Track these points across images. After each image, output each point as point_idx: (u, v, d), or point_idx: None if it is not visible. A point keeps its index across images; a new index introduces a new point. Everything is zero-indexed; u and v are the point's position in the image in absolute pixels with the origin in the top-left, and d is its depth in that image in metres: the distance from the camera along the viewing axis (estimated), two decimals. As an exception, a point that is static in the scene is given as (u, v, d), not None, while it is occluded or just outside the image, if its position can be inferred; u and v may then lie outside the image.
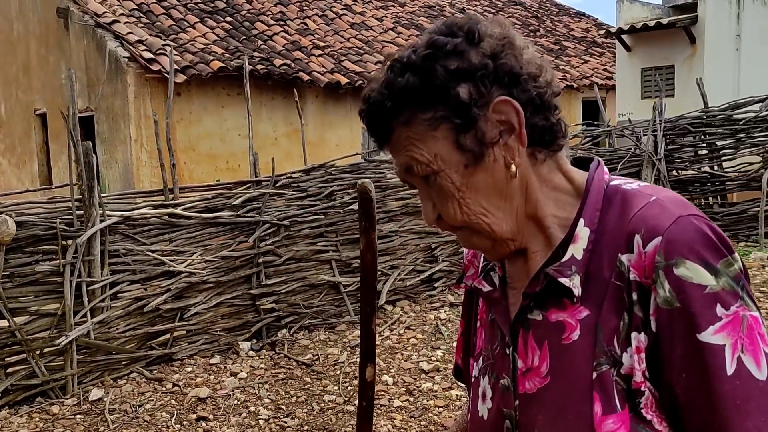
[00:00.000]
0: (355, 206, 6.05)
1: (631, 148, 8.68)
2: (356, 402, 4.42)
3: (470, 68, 0.85)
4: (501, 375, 0.97)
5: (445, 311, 5.99)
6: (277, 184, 5.80)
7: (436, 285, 6.62)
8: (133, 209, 5.17)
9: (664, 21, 10.70)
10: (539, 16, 16.53)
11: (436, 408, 4.16)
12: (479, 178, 0.89)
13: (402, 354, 5.08)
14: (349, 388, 4.56)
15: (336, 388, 4.55)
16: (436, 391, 4.38)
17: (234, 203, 5.54)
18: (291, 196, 5.89)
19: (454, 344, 4.84)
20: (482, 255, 1.05)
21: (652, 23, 10.77)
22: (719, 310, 0.78)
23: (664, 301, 0.79)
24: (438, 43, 0.87)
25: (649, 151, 8.68)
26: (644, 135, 8.83)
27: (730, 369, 0.77)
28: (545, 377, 0.90)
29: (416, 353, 5.08)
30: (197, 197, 5.53)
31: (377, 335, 5.37)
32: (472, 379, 1.07)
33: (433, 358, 4.94)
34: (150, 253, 5.11)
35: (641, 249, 0.82)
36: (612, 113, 11.41)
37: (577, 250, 0.88)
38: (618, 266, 0.84)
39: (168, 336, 5.26)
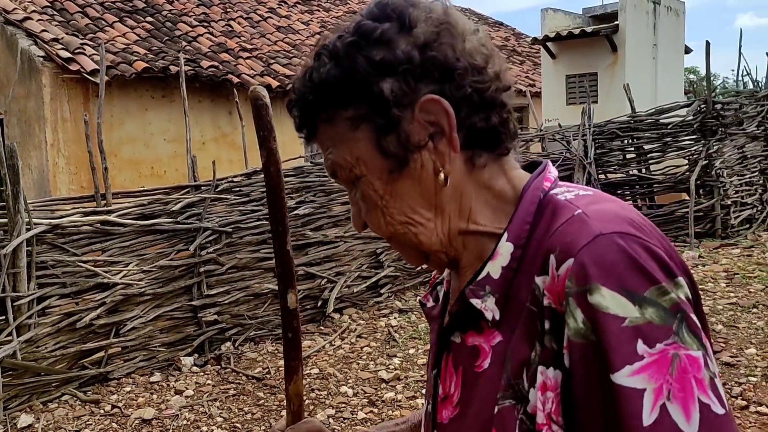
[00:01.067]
0: (301, 210, 5.83)
1: (562, 152, 8.84)
2: (317, 415, 4.22)
3: (395, 60, 0.74)
4: (429, 401, 0.90)
5: (395, 318, 5.83)
6: (218, 189, 5.49)
7: (382, 291, 6.46)
8: (63, 217, 4.75)
9: (588, 29, 11.02)
10: (461, 24, 16.75)
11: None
12: (404, 186, 0.78)
13: (357, 363, 4.88)
14: (306, 401, 4.32)
15: (293, 402, 4.30)
16: (400, 401, 4.21)
17: (173, 209, 5.20)
18: (232, 201, 5.60)
19: (411, 352, 4.68)
20: None
21: (576, 31, 11.06)
22: (641, 347, 0.63)
23: (576, 333, 0.66)
24: (364, 30, 0.76)
25: (580, 155, 8.87)
26: (574, 139, 9.03)
27: (649, 419, 0.62)
28: (456, 407, 0.82)
29: (372, 362, 4.89)
30: (132, 203, 5.14)
31: (329, 344, 5.16)
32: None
33: (391, 367, 4.77)
34: (82, 264, 4.70)
35: (554, 271, 0.69)
36: (538, 119, 11.62)
37: (494, 267, 0.77)
38: (534, 289, 0.72)
39: (102, 354, 4.85)
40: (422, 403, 0.94)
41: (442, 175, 0.77)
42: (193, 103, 9.27)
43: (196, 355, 5.25)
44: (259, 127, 1.03)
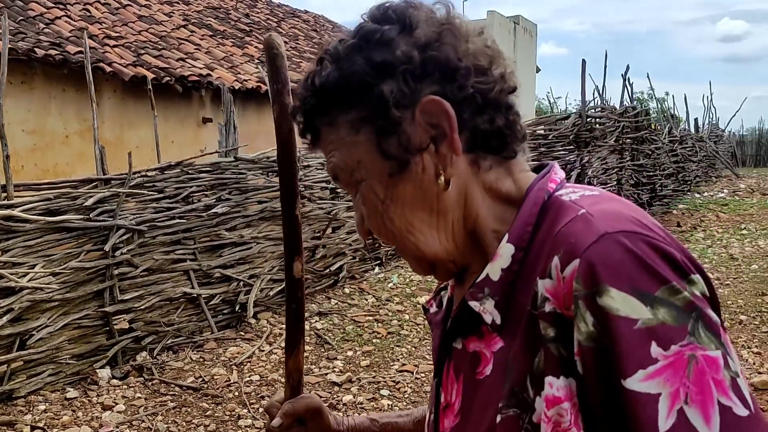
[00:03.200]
0: (219, 209, 5.50)
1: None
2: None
3: (394, 61, 0.74)
4: (431, 409, 0.88)
5: (319, 322, 5.66)
6: (132, 184, 5.00)
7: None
8: (-43, 210, 4.07)
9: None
10: (318, 30, 16.73)
11: (375, 420, 3.88)
12: (405, 190, 0.77)
13: (299, 367, 4.67)
14: (260, 409, 4.05)
15: (246, 411, 4.02)
16: (361, 403, 4.09)
17: (85, 204, 4.65)
18: (146, 197, 5.12)
19: (349, 353, 4.64)
20: None
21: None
22: (654, 349, 0.61)
23: (588, 338, 0.63)
24: (366, 32, 0.76)
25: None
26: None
27: (665, 424, 0.59)
28: (457, 415, 0.80)
29: (315, 366, 4.71)
30: (37, 197, 4.53)
31: (258, 350, 4.90)
32: None
33: (336, 369, 4.62)
34: (-15, 266, 4.05)
35: (559, 274, 0.67)
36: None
37: (493, 269, 0.75)
38: (536, 293, 0.69)
39: (4, 368, 4.20)
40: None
41: (442, 179, 0.75)
42: (57, 92, 8.45)
43: (110, 366, 4.72)
44: (273, 79, 0.97)
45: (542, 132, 8.60)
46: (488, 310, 0.74)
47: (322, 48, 0.81)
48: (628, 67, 9.65)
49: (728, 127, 22.13)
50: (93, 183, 4.88)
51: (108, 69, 8.26)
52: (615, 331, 0.61)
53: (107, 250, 4.71)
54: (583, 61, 8.23)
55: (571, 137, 8.31)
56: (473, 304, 0.75)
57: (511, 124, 0.78)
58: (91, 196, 4.71)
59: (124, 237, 4.87)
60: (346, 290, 6.63)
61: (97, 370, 4.55)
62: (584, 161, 8.18)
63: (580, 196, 0.74)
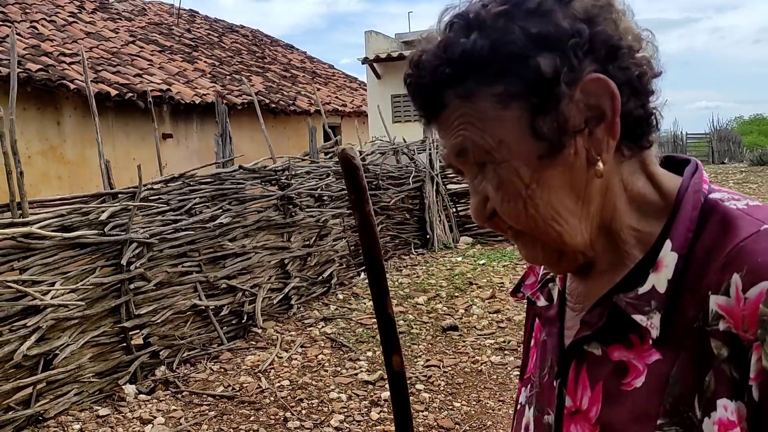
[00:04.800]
0: (223, 219, 5.50)
1: (408, 165, 9.33)
2: (329, 422, 4.01)
3: (558, 34, 0.67)
4: (545, 410, 0.82)
5: (327, 327, 5.71)
6: (140, 197, 4.94)
7: (292, 303, 6.26)
8: (-23, 229, 3.94)
9: (406, 53, 11.78)
10: (258, 44, 16.69)
11: (425, 413, 4.00)
12: (554, 174, 0.70)
13: (325, 371, 4.73)
14: (303, 411, 4.10)
15: (290, 414, 4.05)
16: (420, 394, 4.19)
17: (100, 219, 4.57)
18: (154, 210, 5.07)
19: (369, 354, 4.76)
20: None
21: (395, 54, 11.74)
22: None
23: None
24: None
25: (428, 168, 9.46)
26: (419, 153, 9.60)
27: None
28: (594, 425, 0.74)
29: (340, 368, 4.77)
30: (51, 213, 4.42)
31: (276, 357, 4.93)
32: (518, 406, 0.92)
33: (363, 369, 4.71)
34: (13, 285, 3.94)
35: (740, 293, 0.63)
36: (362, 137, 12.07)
37: (659, 280, 0.69)
38: (706, 308, 0.65)
39: (30, 391, 4.07)
40: (528, 409, 0.88)
41: (600, 165, 0.70)
42: (18, 111, 8.14)
43: (130, 382, 4.63)
44: (351, 190, 0.95)
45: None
46: (655, 326, 0.68)
47: (445, 13, 0.73)
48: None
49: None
50: (101, 198, 4.80)
51: (72, 86, 8.04)
52: None
53: (123, 264, 4.64)
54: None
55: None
56: (639, 318, 0.69)
57: (654, 111, 0.73)
58: (103, 211, 4.63)
59: (136, 251, 4.81)
60: (340, 296, 6.70)
61: (124, 387, 4.46)
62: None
63: (747, 206, 0.69)
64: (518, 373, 0.97)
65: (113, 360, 4.64)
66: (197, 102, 9.89)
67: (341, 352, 5.09)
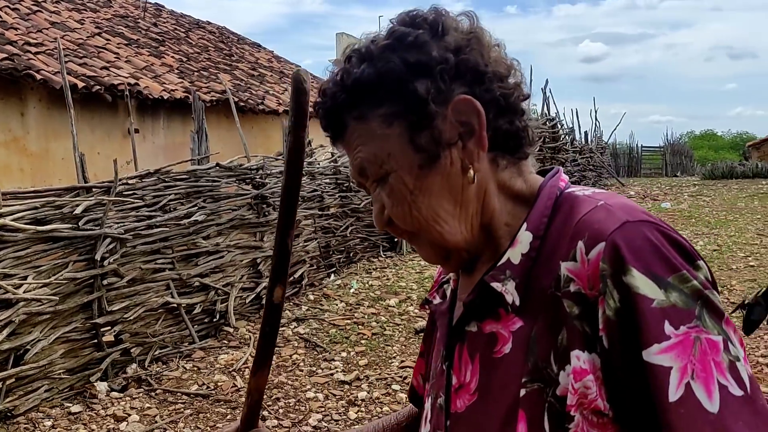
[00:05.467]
0: (198, 217, 5.45)
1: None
2: (305, 422, 4.00)
3: (430, 62, 0.79)
4: (438, 393, 0.91)
5: (300, 327, 5.70)
6: (116, 192, 4.86)
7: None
8: (-51, 219, 3.83)
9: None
10: (224, 42, 16.52)
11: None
12: (433, 181, 0.82)
13: (300, 370, 4.72)
14: (280, 410, 4.09)
15: (267, 413, 4.04)
16: (378, 398, 4.22)
17: (74, 213, 4.48)
18: (129, 205, 4.99)
19: (344, 354, 4.82)
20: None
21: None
22: (668, 328, 0.67)
23: (614, 312, 0.69)
24: (399, 34, 0.81)
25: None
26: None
27: (674, 395, 0.66)
28: (473, 394, 0.83)
29: (316, 368, 4.77)
30: (24, 206, 4.32)
31: (250, 356, 4.90)
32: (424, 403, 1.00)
33: (339, 369, 4.72)
34: (-15, 277, 3.84)
35: (584, 256, 0.73)
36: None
37: (514, 254, 0.81)
38: (558, 275, 0.75)
39: (0, 385, 3.97)
40: (427, 400, 0.95)
41: (471, 172, 0.81)
42: (-21, 100, 7.92)
43: (101, 380, 4.55)
44: (294, 112, 0.97)
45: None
46: (509, 291, 0.79)
47: (348, 49, 0.85)
48: (547, 81, 10.36)
49: (609, 140, 23.90)
50: (75, 191, 4.71)
51: (38, 77, 7.85)
52: (636, 306, 0.68)
53: (97, 259, 4.56)
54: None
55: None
56: (495, 285, 0.80)
57: (525, 128, 0.85)
58: (77, 205, 4.54)
59: (109, 246, 4.73)
60: (311, 297, 6.68)
61: (96, 384, 4.38)
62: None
63: (593, 192, 0.81)
64: None
65: (84, 357, 4.56)
66: (165, 97, 9.75)
67: (315, 353, 5.09)
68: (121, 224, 4.87)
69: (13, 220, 4.15)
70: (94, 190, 4.79)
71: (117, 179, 4.82)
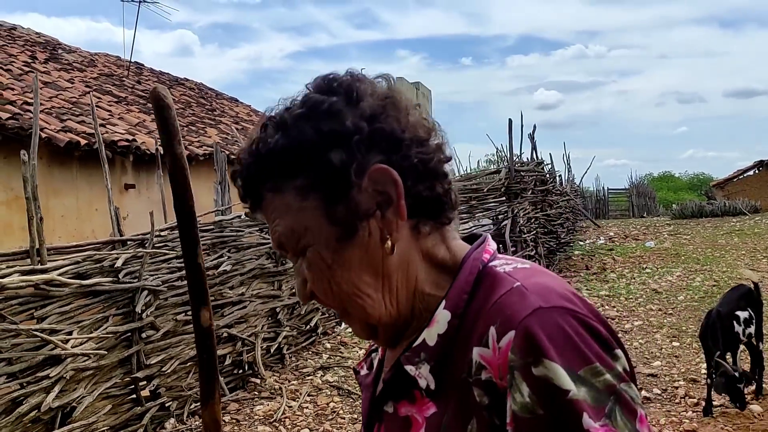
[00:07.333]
0: (226, 267, 5.49)
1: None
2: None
3: (344, 131, 0.76)
4: None
5: (328, 375, 5.71)
6: (150, 244, 4.89)
7: (284, 352, 6.22)
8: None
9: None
10: (204, 97, 16.69)
11: None
12: (352, 254, 0.78)
13: (342, 418, 4.73)
14: (334, 456, 4.09)
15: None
16: None
17: (116, 266, 4.50)
18: (160, 257, 5.02)
19: None
20: None
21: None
22: (586, 421, 0.64)
23: (523, 408, 0.66)
24: (313, 102, 0.78)
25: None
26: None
27: None
28: None
29: (356, 415, 4.78)
30: (67, 261, 4.32)
31: (286, 406, 4.92)
32: None
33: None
34: (38, 333, 3.82)
35: (495, 344, 0.70)
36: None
37: (430, 335, 0.77)
38: (472, 361, 0.72)
39: (49, 446, 3.91)
40: None
41: (389, 243, 0.77)
42: (-16, 160, 7.90)
43: (142, 435, 4.50)
44: (162, 131, 0.93)
45: (475, 185, 9.25)
46: (423, 375, 0.75)
47: (264, 116, 0.82)
48: (535, 127, 10.71)
49: (581, 184, 24.53)
50: (111, 245, 4.73)
51: (43, 135, 7.86)
52: (550, 400, 0.64)
53: (138, 311, 4.56)
54: (510, 120, 9.09)
55: (502, 189, 9.03)
56: (409, 368, 0.76)
57: (446, 192, 0.81)
58: (117, 258, 4.56)
59: (146, 299, 4.74)
60: (328, 345, 6.70)
61: (140, 440, 4.34)
62: (515, 212, 8.91)
63: (514, 269, 0.77)
64: None
65: (124, 413, 4.51)
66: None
67: (351, 399, 5.11)
68: (155, 276, 4.89)
69: (58, 275, 4.16)
70: (128, 243, 4.82)
71: (153, 231, 4.85)
